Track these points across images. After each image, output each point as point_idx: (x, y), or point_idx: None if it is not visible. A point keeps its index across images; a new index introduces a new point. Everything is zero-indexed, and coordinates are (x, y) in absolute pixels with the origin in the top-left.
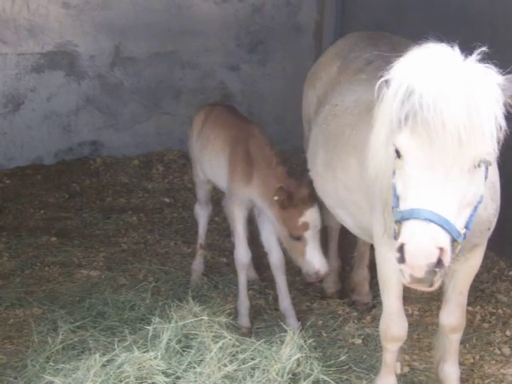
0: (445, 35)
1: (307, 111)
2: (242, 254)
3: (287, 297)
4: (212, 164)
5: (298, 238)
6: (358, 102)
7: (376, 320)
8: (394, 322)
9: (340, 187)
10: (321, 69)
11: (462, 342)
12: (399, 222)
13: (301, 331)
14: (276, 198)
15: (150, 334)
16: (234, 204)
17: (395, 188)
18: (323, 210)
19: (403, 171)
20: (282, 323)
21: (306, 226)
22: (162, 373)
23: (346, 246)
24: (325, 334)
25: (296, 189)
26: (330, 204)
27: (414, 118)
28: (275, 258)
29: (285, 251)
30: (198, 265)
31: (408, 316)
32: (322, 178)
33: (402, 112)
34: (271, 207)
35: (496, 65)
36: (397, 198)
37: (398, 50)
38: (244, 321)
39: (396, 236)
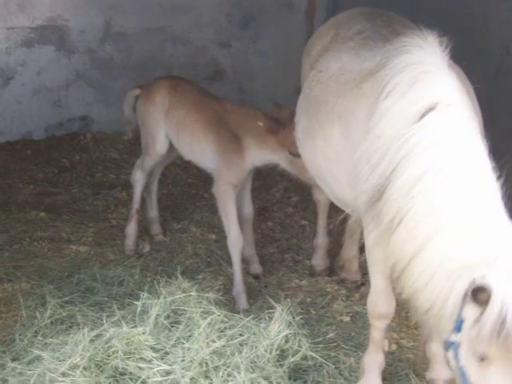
0: (437, 15)
1: (303, 81)
2: (236, 235)
3: (252, 244)
4: (194, 148)
5: (298, 154)
6: (344, 70)
7: (364, 298)
8: (381, 300)
9: (319, 156)
10: (317, 37)
11: None
12: None
13: (289, 308)
14: (260, 123)
15: (139, 309)
16: (225, 185)
17: (468, 376)
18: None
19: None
20: (270, 300)
21: None
22: (151, 348)
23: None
24: (313, 312)
25: (278, 113)
26: (310, 172)
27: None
28: (247, 211)
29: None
30: (132, 229)
31: (396, 294)
32: (302, 145)
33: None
34: (267, 146)
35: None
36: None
37: (394, 26)
38: (243, 301)
39: None
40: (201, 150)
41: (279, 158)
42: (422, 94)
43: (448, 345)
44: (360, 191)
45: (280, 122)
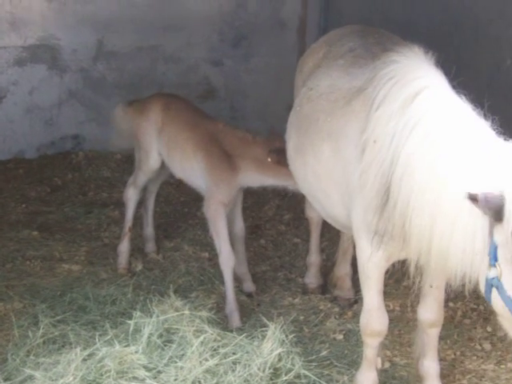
0: (428, 33)
1: (295, 97)
2: (228, 254)
3: (245, 262)
4: (184, 166)
5: None
6: (333, 88)
7: (358, 315)
8: (374, 317)
9: (309, 174)
10: (309, 54)
11: (444, 338)
12: None
13: (282, 326)
14: (269, 159)
15: (131, 328)
16: (216, 204)
17: None
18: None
19: None
20: (263, 318)
21: None
22: (143, 367)
23: (328, 241)
24: (306, 330)
25: (279, 143)
26: (302, 190)
27: None
28: (238, 228)
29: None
30: (125, 247)
31: (389, 312)
32: (293, 162)
33: None
34: (269, 174)
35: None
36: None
37: (385, 43)
38: (235, 320)
39: None
40: (190, 169)
41: (283, 183)
42: (412, 94)
43: (489, 286)
44: (368, 201)
45: (284, 152)
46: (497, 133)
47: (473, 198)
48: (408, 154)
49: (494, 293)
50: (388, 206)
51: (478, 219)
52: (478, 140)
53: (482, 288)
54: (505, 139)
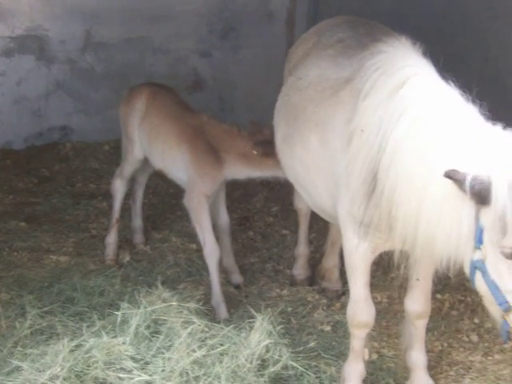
0: (416, 25)
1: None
2: (212, 246)
3: (231, 254)
4: (165, 157)
5: None
6: (321, 78)
7: (345, 307)
8: (361, 309)
9: (297, 164)
10: (299, 44)
11: (431, 330)
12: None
13: (270, 318)
14: (255, 152)
15: (119, 319)
16: (198, 196)
17: (501, 285)
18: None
19: None
20: (251, 309)
21: None
22: (131, 358)
23: (317, 232)
24: (294, 321)
25: (262, 133)
26: (290, 179)
27: None
28: (223, 220)
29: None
30: (112, 239)
31: (377, 303)
32: (281, 152)
33: None
34: (256, 167)
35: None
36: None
37: (375, 34)
38: (222, 311)
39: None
40: (172, 160)
41: (271, 174)
42: (400, 82)
43: (473, 269)
44: (354, 191)
45: (268, 143)
46: (485, 118)
47: (449, 176)
48: (396, 141)
49: (478, 275)
50: (375, 194)
51: (465, 203)
52: (465, 125)
53: (467, 271)
54: (493, 124)
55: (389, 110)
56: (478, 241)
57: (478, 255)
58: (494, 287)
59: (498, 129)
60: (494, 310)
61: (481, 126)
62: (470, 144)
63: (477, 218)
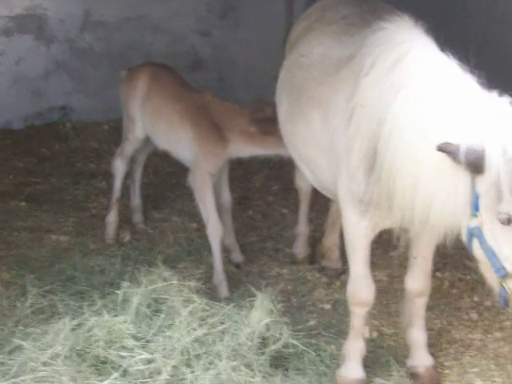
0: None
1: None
2: (216, 225)
3: (232, 233)
4: (168, 136)
5: None
6: (324, 56)
7: (345, 285)
8: (361, 287)
9: (299, 142)
10: (302, 19)
11: (431, 308)
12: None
13: (270, 296)
14: (252, 128)
15: (120, 298)
16: (202, 174)
17: (498, 251)
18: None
19: None
20: (251, 288)
21: None
22: (132, 337)
23: (317, 211)
24: (294, 300)
25: (264, 112)
26: (292, 156)
27: None
28: (225, 199)
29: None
30: (113, 218)
31: (377, 282)
32: (283, 129)
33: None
34: (258, 145)
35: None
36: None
37: (379, 12)
38: (224, 290)
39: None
40: (176, 139)
41: (274, 152)
42: (400, 55)
43: (470, 236)
44: (354, 168)
45: (269, 121)
46: (484, 87)
47: (442, 150)
48: (395, 114)
49: (476, 243)
50: (375, 169)
51: (460, 172)
52: (461, 94)
53: (464, 238)
54: (489, 91)
55: (388, 84)
56: (475, 208)
57: (474, 222)
58: (491, 253)
59: (493, 96)
60: (491, 276)
61: (477, 94)
62: (464, 113)
63: (472, 186)
